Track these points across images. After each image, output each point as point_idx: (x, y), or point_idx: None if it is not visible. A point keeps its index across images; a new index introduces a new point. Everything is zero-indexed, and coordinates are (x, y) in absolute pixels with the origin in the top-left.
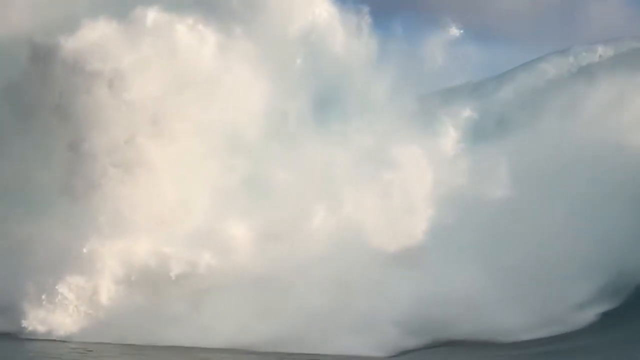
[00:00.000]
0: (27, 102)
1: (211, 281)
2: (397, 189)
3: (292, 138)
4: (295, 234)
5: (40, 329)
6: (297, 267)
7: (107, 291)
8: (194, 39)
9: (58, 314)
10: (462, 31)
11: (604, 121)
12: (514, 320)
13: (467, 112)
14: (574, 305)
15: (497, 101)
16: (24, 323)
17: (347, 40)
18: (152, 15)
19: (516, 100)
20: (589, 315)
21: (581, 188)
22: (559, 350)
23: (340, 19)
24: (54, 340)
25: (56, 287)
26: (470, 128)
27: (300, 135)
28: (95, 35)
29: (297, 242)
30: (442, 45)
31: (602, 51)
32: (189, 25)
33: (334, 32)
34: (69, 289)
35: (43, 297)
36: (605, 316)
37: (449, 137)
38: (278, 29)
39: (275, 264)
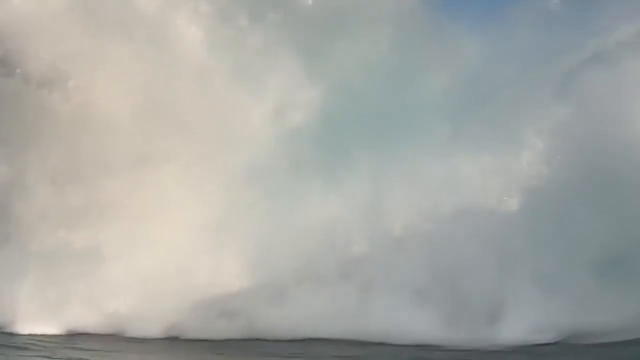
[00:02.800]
0: None
1: None
2: (461, 220)
3: (332, 162)
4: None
5: None
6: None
7: None
8: (193, 18)
9: None
10: None
11: None
12: None
13: (559, 110)
14: None
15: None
16: None
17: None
18: None
19: None
20: None
21: None
22: None
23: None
24: None
25: None
26: (565, 132)
27: (345, 158)
28: (29, 6)
29: (333, 289)
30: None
31: None
32: None
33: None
34: None
35: None
36: None
37: (532, 148)
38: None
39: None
